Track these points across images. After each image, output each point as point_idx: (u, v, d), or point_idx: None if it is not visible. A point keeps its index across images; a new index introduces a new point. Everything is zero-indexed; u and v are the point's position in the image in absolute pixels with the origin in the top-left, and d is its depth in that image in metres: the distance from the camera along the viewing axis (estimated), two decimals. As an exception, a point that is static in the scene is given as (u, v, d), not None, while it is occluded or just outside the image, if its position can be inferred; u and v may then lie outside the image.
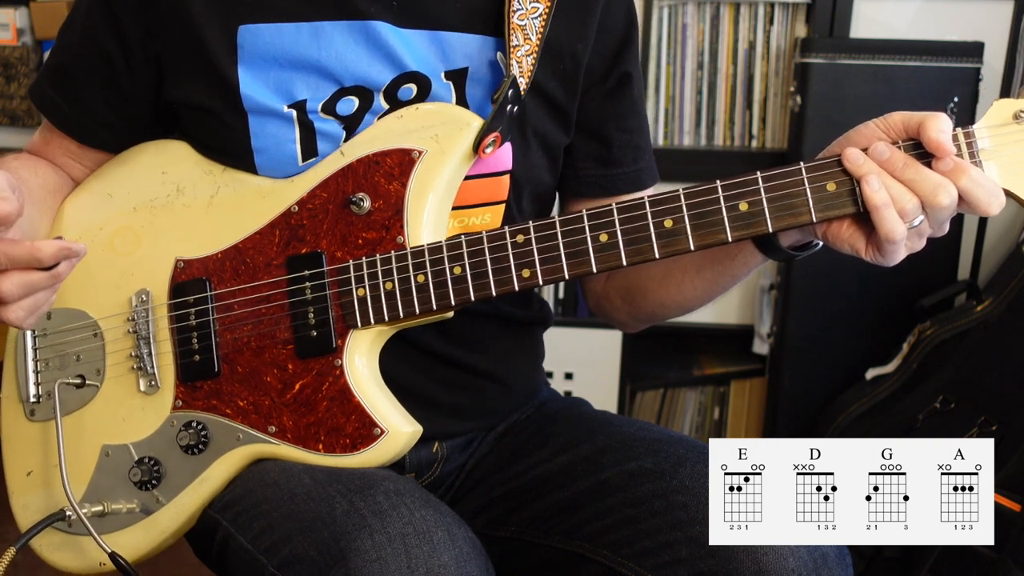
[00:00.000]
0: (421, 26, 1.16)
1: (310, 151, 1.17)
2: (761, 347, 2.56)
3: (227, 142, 1.18)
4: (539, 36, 1.15)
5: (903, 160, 1.01)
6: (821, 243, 1.10)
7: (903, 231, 1.00)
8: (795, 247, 1.12)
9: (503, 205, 1.21)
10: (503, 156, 1.19)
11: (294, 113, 1.16)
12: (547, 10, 1.16)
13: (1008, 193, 1.02)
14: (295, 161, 1.17)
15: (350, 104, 1.16)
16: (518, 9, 1.15)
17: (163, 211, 1.22)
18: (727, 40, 2.47)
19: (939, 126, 0.99)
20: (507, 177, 1.20)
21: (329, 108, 1.16)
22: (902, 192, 1.00)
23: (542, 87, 1.20)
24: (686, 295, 1.24)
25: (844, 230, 1.05)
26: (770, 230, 1.04)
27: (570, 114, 1.24)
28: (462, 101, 1.18)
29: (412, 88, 1.16)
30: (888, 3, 2.39)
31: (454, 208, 1.17)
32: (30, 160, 1.29)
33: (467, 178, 1.17)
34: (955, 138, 1.01)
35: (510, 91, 1.13)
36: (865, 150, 1.02)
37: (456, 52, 1.17)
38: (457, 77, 1.17)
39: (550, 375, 2.47)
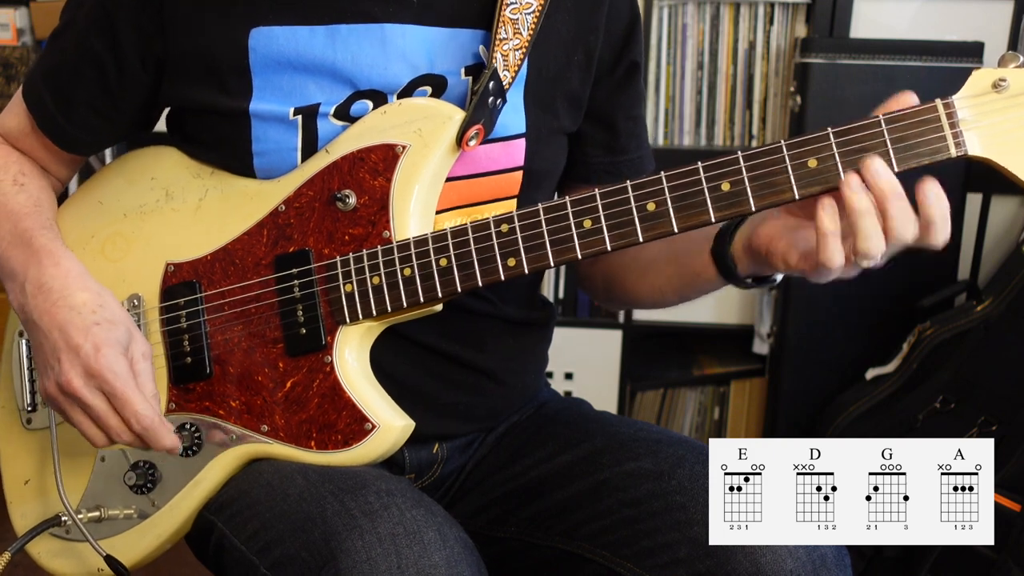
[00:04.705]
0: (439, 24, 1.16)
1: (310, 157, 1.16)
2: (761, 347, 2.55)
3: (227, 143, 1.18)
4: (531, 32, 1.15)
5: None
6: (779, 277, 1.11)
7: (841, 262, 1.00)
8: (755, 277, 1.13)
9: (515, 200, 1.20)
10: (514, 152, 1.19)
11: (299, 119, 1.15)
12: (540, 7, 1.16)
13: (989, 162, 0.99)
14: (294, 167, 1.16)
15: (364, 107, 1.16)
16: (511, 3, 1.15)
17: (152, 216, 1.22)
18: (727, 40, 2.46)
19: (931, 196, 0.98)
20: (519, 173, 1.20)
21: (342, 112, 1.16)
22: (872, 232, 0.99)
23: (565, 80, 1.21)
24: (658, 296, 1.27)
25: (782, 243, 1.05)
26: (753, 209, 1.03)
27: (584, 104, 1.25)
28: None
29: (427, 90, 1.16)
30: (888, 3, 2.38)
31: (465, 206, 1.17)
32: (27, 178, 1.25)
33: (478, 176, 1.17)
34: (935, 109, 0.99)
35: (490, 83, 1.12)
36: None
37: (474, 47, 1.17)
38: (477, 72, 1.17)
39: (550, 375, 2.47)
